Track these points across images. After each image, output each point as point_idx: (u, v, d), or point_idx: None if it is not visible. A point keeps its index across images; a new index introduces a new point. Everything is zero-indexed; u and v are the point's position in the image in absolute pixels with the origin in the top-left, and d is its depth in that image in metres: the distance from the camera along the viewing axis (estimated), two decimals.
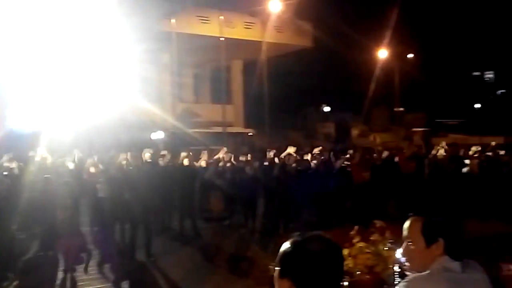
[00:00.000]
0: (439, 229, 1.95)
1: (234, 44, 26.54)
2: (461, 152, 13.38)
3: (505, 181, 11.75)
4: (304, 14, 28.58)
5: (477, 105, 51.72)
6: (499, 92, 54.28)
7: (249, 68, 31.63)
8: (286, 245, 1.57)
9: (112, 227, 9.85)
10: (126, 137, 18.95)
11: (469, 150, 13.89)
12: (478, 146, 14.59)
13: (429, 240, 1.95)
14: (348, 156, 12.09)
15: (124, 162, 9.65)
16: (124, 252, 9.11)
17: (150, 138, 23.13)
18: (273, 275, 1.59)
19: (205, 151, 12.83)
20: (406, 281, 1.94)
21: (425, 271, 1.93)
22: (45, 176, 9.25)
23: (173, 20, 24.27)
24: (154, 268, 8.48)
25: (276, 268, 1.56)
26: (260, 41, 27.57)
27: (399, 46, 38.07)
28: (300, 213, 12.12)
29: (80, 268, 8.12)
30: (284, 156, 11.67)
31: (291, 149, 12.24)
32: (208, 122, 27.12)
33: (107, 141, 16.25)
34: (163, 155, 11.91)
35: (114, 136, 18.40)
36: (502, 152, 13.88)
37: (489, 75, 55.97)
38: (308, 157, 12.72)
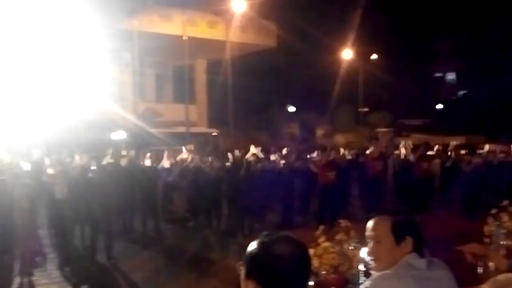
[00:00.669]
0: (407, 228, 1.97)
1: (197, 44, 26.35)
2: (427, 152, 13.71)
3: (466, 180, 12.09)
4: (268, 14, 28.68)
5: (439, 106, 53.12)
6: (461, 93, 55.87)
7: (212, 68, 31.50)
8: (252, 246, 1.54)
9: (71, 229, 9.61)
10: (86, 137, 18.55)
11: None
12: (439, 146, 15.00)
13: (398, 239, 1.96)
14: (313, 156, 12.16)
15: (84, 163, 9.43)
16: (84, 255, 8.88)
17: (111, 138, 22.67)
18: (239, 276, 1.57)
19: (166, 152, 12.67)
20: (372, 280, 1.94)
21: (390, 269, 1.93)
22: (0, 178, 8.92)
23: (134, 19, 23.87)
24: (116, 271, 8.31)
25: (243, 268, 1.54)
26: (224, 41, 27.49)
27: (363, 47, 38.74)
28: (265, 213, 12.16)
29: (38, 271, 7.87)
30: (249, 157, 11.65)
31: (254, 149, 12.23)
32: (171, 122, 26.83)
33: (66, 141, 15.84)
34: (125, 156, 11.70)
35: (73, 136, 17.98)
36: (463, 152, 14.30)
37: (450, 76, 57.51)
38: (273, 157, 12.76)
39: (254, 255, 1.52)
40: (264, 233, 1.57)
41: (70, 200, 9.39)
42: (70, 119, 20.13)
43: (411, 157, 12.92)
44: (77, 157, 9.98)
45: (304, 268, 1.54)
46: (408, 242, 1.96)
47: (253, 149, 12.24)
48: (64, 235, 9.60)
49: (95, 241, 8.77)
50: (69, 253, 9.12)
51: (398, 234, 1.97)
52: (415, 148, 13.88)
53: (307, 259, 1.56)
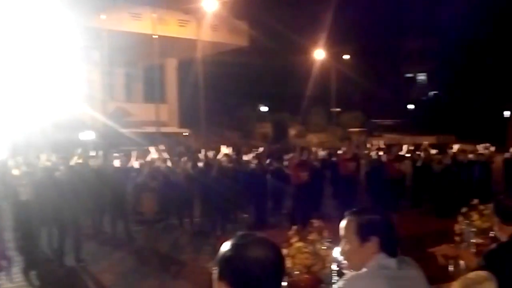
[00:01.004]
0: (372, 228, 1.96)
1: (167, 42, 26.13)
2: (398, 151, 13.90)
3: (437, 179, 12.30)
4: (240, 13, 28.64)
5: (411, 106, 54.04)
6: (431, 93, 56.93)
7: (183, 67, 31.30)
8: (226, 247, 1.51)
9: (38, 231, 9.37)
10: (54, 137, 18.15)
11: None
12: (410, 145, 15.26)
13: (363, 239, 1.96)
14: (286, 156, 12.18)
15: (51, 163, 9.20)
16: (51, 258, 8.67)
17: (80, 138, 22.24)
18: (210, 277, 1.54)
19: (135, 152, 12.51)
20: (344, 280, 1.94)
21: (362, 269, 1.93)
22: None
23: (103, 16, 23.47)
24: (85, 274, 8.13)
25: (215, 270, 1.51)
26: (195, 40, 27.32)
27: (335, 47, 39.07)
28: (238, 214, 12.13)
29: (2, 275, 7.64)
30: (221, 157, 11.60)
31: (225, 149, 12.17)
32: (141, 122, 26.54)
33: (33, 142, 15.49)
34: (93, 156, 11.49)
35: (41, 137, 17.59)
36: (433, 151, 14.57)
37: (421, 76, 58.54)
38: (246, 157, 12.75)
39: (227, 257, 1.49)
40: (238, 234, 1.55)
41: (36, 201, 9.15)
42: (38, 119, 19.69)
43: (383, 157, 13.08)
44: (43, 158, 9.73)
45: (278, 271, 1.51)
46: (374, 242, 1.94)
47: (224, 150, 12.18)
48: (29, 237, 9.34)
49: (63, 243, 8.56)
50: (35, 256, 8.88)
51: (363, 234, 1.97)
52: (387, 148, 14.07)
53: (281, 262, 1.53)
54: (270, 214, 11.86)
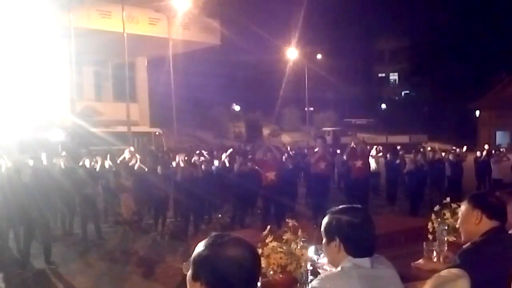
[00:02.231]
0: (334, 228, 1.96)
1: (137, 41, 25.79)
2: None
3: (409, 178, 12.48)
4: (212, 11, 28.48)
5: (383, 106, 54.82)
6: (403, 93, 57.86)
7: (154, 66, 31.01)
8: (200, 247, 1.50)
9: (5, 233, 9.13)
10: (21, 137, 17.72)
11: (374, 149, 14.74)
12: (378, 145, 15.50)
13: (329, 238, 1.98)
14: (258, 156, 12.15)
15: (18, 164, 8.97)
16: (19, 260, 8.44)
17: (48, 138, 21.76)
18: (184, 278, 1.54)
19: (107, 153, 12.33)
20: (318, 279, 1.94)
21: (337, 267, 1.94)
22: None
23: (71, 14, 22.98)
24: (55, 276, 7.94)
25: (189, 270, 1.51)
26: (165, 38, 27.05)
27: (308, 47, 39.36)
28: (212, 214, 12.08)
29: None
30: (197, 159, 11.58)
31: (127, 153, 12.02)
32: (111, 121, 26.15)
33: None
34: (62, 156, 11.26)
35: (7, 136, 17.16)
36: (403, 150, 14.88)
37: (393, 76, 59.39)
38: (222, 157, 12.72)
39: (203, 257, 1.48)
40: (214, 234, 1.54)
41: (2, 202, 8.91)
42: (4, 118, 19.19)
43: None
44: (7, 158, 9.48)
45: (253, 271, 1.51)
46: (337, 242, 1.95)
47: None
48: None
49: (29, 245, 8.35)
50: (3, 258, 8.65)
51: (327, 234, 1.99)
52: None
53: (257, 261, 1.54)
54: (245, 214, 11.85)
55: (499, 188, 10.45)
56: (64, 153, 11.67)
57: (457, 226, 2.80)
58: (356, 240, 1.93)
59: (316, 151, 11.27)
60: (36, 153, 9.54)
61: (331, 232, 1.96)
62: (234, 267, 1.46)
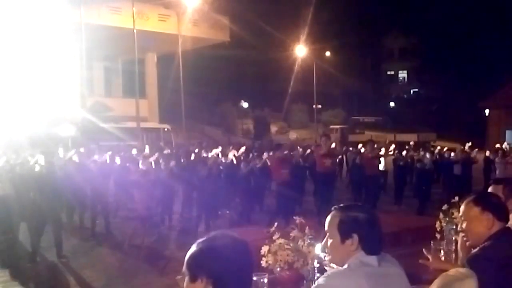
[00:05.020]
0: (353, 225, 1.96)
1: (147, 37, 25.86)
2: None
3: (418, 176, 12.46)
4: (221, 8, 28.48)
5: (392, 104, 54.47)
6: (412, 91, 57.47)
7: (164, 62, 31.04)
8: (191, 250, 1.61)
9: (16, 226, 9.24)
10: (33, 132, 17.86)
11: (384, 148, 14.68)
12: (389, 143, 15.41)
13: (344, 235, 1.97)
14: (267, 153, 12.17)
15: (30, 158, 9.08)
16: (31, 254, 8.55)
17: (59, 133, 21.92)
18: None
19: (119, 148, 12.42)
20: (325, 277, 1.94)
21: (343, 265, 1.95)
22: None
23: (81, 10, 23.10)
24: (65, 270, 8.04)
25: (185, 277, 1.58)
26: (175, 34, 27.09)
27: (317, 44, 39.13)
28: (221, 210, 12.11)
29: None
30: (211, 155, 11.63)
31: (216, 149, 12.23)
32: (121, 117, 26.22)
33: (11, 137, 15.22)
34: (73, 151, 11.36)
35: (20, 131, 17.29)
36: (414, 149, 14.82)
37: (402, 74, 58.97)
38: (230, 154, 12.73)
39: (196, 254, 1.57)
40: (206, 235, 1.64)
41: (16, 197, 9.03)
42: (16, 114, 19.34)
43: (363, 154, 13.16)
44: (22, 153, 9.60)
45: (247, 255, 1.61)
46: (355, 239, 1.96)
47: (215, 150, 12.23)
48: (8, 232, 9.21)
49: (39, 238, 8.44)
50: (15, 251, 8.76)
51: (344, 232, 1.98)
52: (363, 146, 14.19)
53: (247, 248, 1.63)
54: (253, 211, 11.89)
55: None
56: (75, 147, 11.75)
57: (459, 228, 2.74)
58: (373, 238, 1.95)
59: (320, 149, 11.25)
60: (47, 148, 9.62)
61: (348, 229, 1.96)
62: (228, 250, 1.56)
